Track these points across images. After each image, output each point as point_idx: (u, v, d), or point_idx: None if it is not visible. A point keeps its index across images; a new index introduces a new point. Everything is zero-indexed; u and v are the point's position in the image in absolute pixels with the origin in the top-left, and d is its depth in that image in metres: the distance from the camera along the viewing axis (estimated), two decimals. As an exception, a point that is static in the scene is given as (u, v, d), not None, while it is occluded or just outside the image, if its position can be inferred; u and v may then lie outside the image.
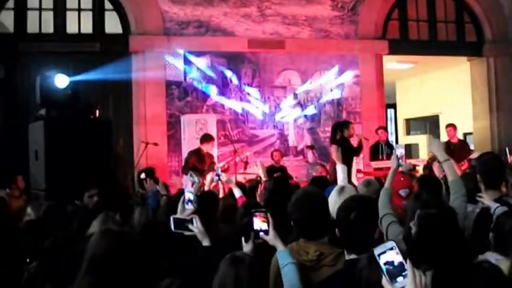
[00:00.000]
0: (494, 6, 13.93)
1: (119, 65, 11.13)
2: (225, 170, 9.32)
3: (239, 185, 6.63)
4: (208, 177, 7.18)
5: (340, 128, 10.53)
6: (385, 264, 2.06)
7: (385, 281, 2.07)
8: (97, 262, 2.71)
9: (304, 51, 12.71)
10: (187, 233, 3.73)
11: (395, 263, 2.05)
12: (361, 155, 11.28)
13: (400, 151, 4.56)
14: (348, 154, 9.30)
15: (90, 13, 11.85)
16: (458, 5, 13.98)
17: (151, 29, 11.94)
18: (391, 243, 2.08)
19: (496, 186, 4.24)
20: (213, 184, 7.68)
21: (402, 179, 5.14)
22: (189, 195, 4.19)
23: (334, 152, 6.04)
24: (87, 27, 11.79)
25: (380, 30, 13.18)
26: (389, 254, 2.07)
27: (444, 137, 12.42)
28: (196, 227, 3.69)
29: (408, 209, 3.72)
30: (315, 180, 6.89)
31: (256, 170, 8.09)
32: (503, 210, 3.87)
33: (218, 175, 7.05)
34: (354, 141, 10.54)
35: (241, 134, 12.32)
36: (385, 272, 2.05)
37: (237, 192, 5.91)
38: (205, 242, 3.65)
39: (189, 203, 4.18)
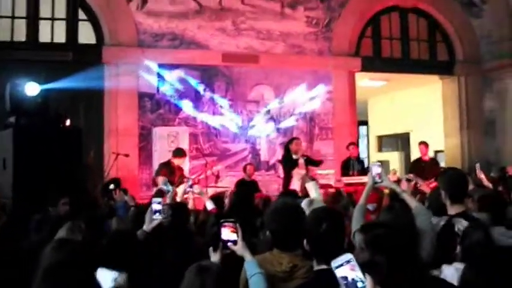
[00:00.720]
0: (466, 26, 14.18)
1: (91, 75, 11.03)
2: (195, 184, 9.28)
3: (214, 197, 6.65)
4: (181, 188, 7.12)
5: (288, 143, 10.72)
6: (341, 278, 2.06)
7: None
8: (51, 271, 2.69)
9: (278, 66, 12.77)
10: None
11: (349, 279, 2.05)
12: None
13: (376, 170, 4.56)
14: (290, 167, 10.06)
15: (64, 22, 11.78)
16: (431, 24, 14.21)
17: (125, 40, 11.90)
18: (348, 256, 2.07)
19: (460, 201, 4.27)
20: (185, 196, 7.64)
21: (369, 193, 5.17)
22: (156, 206, 4.19)
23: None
24: (60, 37, 11.70)
25: (353, 48, 13.32)
26: (345, 268, 2.06)
27: (416, 154, 12.52)
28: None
29: (381, 220, 3.76)
30: (286, 194, 6.90)
31: (227, 184, 8.14)
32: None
33: (191, 186, 7.03)
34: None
35: (213, 147, 12.29)
36: (343, 285, 2.05)
37: (209, 205, 5.97)
38: None
39: (157, 213, 4.18)
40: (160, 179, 8.40)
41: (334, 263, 2.06)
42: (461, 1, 14.17)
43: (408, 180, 7.27)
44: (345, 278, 2.04)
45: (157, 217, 4.21)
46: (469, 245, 3.45)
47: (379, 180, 4.45)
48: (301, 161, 10.14)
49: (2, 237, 4.82)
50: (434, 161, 12.22)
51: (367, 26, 13.64)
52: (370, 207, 4.87)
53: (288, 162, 10.23)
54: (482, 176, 7.51)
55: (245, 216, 3.74)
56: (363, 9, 13.39)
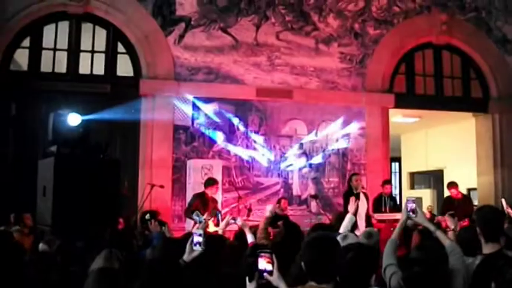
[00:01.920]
0: (501, 63, 14.15)
1: (128, 107, 11.31)
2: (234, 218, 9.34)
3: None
4: (224, 220, 7.19)
5: (349, 179, 11.00)
6: None
7: None
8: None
9: (311, 101, 12.86)
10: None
11: None
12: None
13: (410, 205, 4.59)
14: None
15: (103, 55, 12.09)
16: (465, 61, 14.21)
17: (162, 73, 12.14)
18: None
19: (495, 239, 4.25)
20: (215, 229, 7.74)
21: (392, 229, 5.19)
22: (198, 238, 4.27)
23: (351, 202, 6.15)
24: (99, 69, 12.02)
25: (387, 84, 13.38)
26: None
27: (447, 192, 12.42)
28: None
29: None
30: (318, 227, 6.93)
31: (258, 218, 8.18)
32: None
33: (234, 219, 7.09)
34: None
35: (246, 181, 12.37)
36: None
37: (250, 238, 5.98)
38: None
39: (197, 245, 4.26)
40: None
41: None
42: (496, 38, 14.19)
43: (451, 216, 7.16)
44: None
45: (198, 248, 4.28)
46: (502, 282, 3.45)
47: (413, 216, 4.48)
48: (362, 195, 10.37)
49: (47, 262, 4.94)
50: (467, 199, 12.12)
51: (401, 62, 13.71)
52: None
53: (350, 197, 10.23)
54: (510, 210, 7.43)
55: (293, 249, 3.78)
56: (396, 46, 13.48)
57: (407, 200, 4.68)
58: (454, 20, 13.87)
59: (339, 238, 4.65)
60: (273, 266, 3.37)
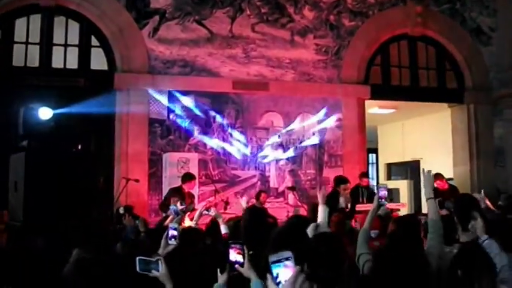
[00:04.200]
0: (475, 54, 14.24)
1: (102, 101, 11.17)
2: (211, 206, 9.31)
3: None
4: (197, 211, 7.14)
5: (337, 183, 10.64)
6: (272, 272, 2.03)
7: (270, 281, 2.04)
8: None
9: (287, 93, 12.84)
10: (152, 274, 3.73)
11: (280, 277, 2.02)
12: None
13: (382, 192, 4.61)
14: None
15: (76, 49, 11.94)
16: (440, 52, 14.27)
17: (137, 66, 12.02)
18: (288, 253, 2.05)
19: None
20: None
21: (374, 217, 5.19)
22: (173, 231, 4.22)
23: (321, 192, 6.07)
24: (72, 63, 11.85)
25: (362, 75, 13.39)
26: (281, 267, 2.03)
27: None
28: (160, 271, 3.70)
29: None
30: (294, 218, 6.91)
31: (236, 210, 8.15)
32: (491, 242, 3.92)
33: (208, 209, 7.06)
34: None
35: (223, 174, 12.32)
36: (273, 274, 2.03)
37: (223, 229, 5.99)
38: (169, 286, 3.67)
39: (172, 239, 4.21)
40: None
41: (272, 258, 2.04)
42: (470, 29, 14.27)
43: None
44: (276, 276, 2.03)
45: (173, 243, 4.24)
46: (470, 272, 3.44)
47: (385, 202, 4.51)
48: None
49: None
50: (453, 189, 12.11)
51: (376, 54, 13.73)
52: (373, 234, 4.88)
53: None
54: (488, 202, 7.42)
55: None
56: (371, 38, 13.50)
57: (380, 188, 4.70)
58: (428, 12, 13.92)
59: (310, 228, 4.63)
60: (243, 257, 3.36)
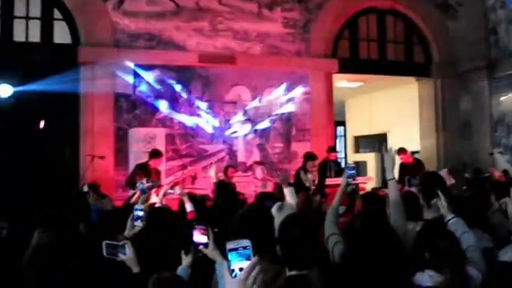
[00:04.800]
0: (442, 28, 14.28)
1: (66, 76, 10.92)
2: (176, 184, 9.21)
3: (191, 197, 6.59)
4: (162, 190, 7.05)
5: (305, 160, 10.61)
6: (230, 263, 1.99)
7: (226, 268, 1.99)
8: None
9: (255, 67, 12.73)
10: (119, 258, 3.68)
11: (236, 268, 1.98)
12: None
13: (351, 172, 4.61)
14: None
15: (39, 22, 11.63)
16: (408, 26, 14.28)
17: (101, 40, 11.77)
18: (246, 242, 2.01)
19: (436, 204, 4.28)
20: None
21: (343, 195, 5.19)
22: (139, 212, 4.15)
23: (280, 177, 6.04)
24: (34, 36, 11.55)
25: (330, 49, 13.34)
26: (237, 255, 1.98)
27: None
28: (127, 255, 3.65)
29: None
30: (262, 197, 6.89)
31: (204, 185, 8.08)
32: (457, 220, 3.92)
33: (172, 188, 6.98)
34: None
35: (190, 148, 12.23)
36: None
37: (189, 207, 5.94)
38: (135, 269, 3.62)
39: (138, 220, 4.14)
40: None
41: (230, 245, 1.99)
42: (437, 3, 14.27)
43: None
44: (233, 269, 1.98)
45: (139, 224, 4.17)
46: (435, 253, 3.44)
47: (352, 181, 4.53)
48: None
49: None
50: (418, 163, 12.19)
51: (345, 27, 13.67)
52: (340, 210, 4.86)
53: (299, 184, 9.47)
54: (452, 180, 7.42)
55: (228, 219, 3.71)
56: (340, 11, 13.42)
57: (348, 167, 4.70)
58: (397, -15, 13.87)
59: (274, 208, 4.59)
60: (208, 238, 3.31)
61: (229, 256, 1.96)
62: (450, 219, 4.01)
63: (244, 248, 1.97)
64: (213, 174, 8.17)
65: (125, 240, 3.85)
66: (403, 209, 4.25)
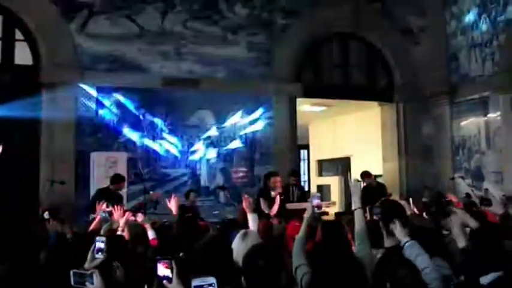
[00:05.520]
0: (404, 53, 14.46)
1: (27, 98, 10.73)
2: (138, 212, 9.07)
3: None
4: (124, 217, 6.90)
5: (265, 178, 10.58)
6: None
7: None
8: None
9: (219, 90, 12.68)
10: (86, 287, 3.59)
11: None
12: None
13: (316, 201, 4.65)
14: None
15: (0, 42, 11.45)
16: (371, 51, 14.42)
17: (64, 62, 11.61)
18: (211, 279, 1.97)
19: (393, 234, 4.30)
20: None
21: (297, 224, 5.21)
22: (100, 244, 4.05)
23: (245, 201, 5.96)
24: (-5, 57, 11.36)
25: (294, 73, 13.39)
26: None
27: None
28: (95, 284, 3.56)
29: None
30: (226, 224, 6.86)
31: (165, 210, 7.93)
32: (412, 243, 3.94)
33: (134, 215, 6.85)
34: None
35: (153, 172, 12.11)
36: None
37: (151, 234, 5.87)
38: None
39: (99, 253, 4.03)
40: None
41: (195, 282, 1.95)
42: (400, 29, 14.46)
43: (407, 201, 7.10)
44: None
45: (100, 256, 4.06)
46: (395, 282, 3.45)
47: (318, 211, 4.57)
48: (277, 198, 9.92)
49: None
50: (380, 186, 12.24)
51: (309, 52, 13.74)
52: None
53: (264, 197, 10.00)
54: (415, 209, 7.45)
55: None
56: (304, 36, 13.50)
57: (313, 196, 4.72)
58: (360, 11, 13.99)
59: (238, 236, 4.55)
60: (171, 272, 3.24)
61: None
62: (405, 243, 4.03)
63: (210, 285, 1.94)
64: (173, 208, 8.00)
65: (92, 269, 3.75)
66: (367, 237, 4.29)
